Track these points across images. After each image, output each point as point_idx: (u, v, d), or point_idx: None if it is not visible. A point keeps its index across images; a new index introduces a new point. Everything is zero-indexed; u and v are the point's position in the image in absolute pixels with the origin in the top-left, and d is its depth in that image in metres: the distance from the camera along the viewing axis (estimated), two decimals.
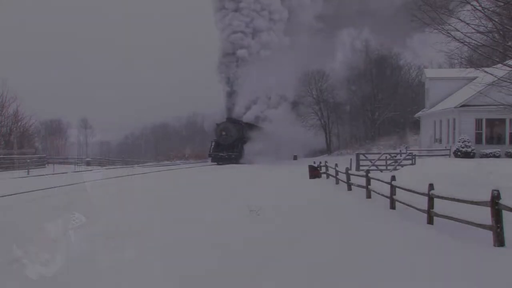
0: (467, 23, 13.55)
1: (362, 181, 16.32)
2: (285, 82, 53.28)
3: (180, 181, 25.03)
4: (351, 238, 8.97)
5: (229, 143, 51.05)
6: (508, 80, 14.78)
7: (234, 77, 54.43)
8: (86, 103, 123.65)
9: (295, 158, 52.78)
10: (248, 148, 50.94)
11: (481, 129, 28.09)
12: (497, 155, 26.28)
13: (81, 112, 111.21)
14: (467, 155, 26.15)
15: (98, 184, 23.12)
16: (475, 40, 14.16)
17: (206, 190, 19.57)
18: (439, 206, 10.13)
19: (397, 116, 59.90)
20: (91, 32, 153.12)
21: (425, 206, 10.40)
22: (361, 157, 29.51)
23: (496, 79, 14.81)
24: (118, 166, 48.94)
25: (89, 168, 44.85)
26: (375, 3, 54.67)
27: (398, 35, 54.69)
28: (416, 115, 39.28)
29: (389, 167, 27.63)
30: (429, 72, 36.65)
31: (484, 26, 13.74)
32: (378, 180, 14.72)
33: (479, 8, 13.21)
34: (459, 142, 26.94)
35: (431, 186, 10.19)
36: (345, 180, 19.03)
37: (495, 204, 7.84)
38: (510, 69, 14.42)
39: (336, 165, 22.63)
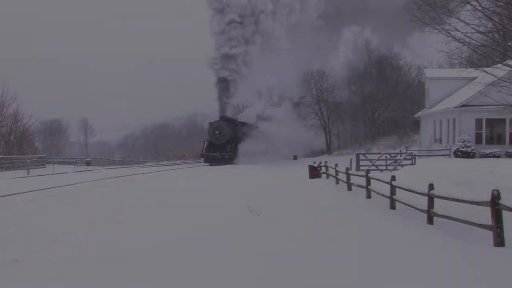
0: (467, 23, 13.55)
1: (362, 181, 16.32)
2: (285, 81, 52.46)
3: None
4: (351, 238, 8.96)
5: (222, 143, 48.79)
6: (508, 80, 14.78)
7: (229, 73, 51.82)
8: (86, 103, 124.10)
9: (295, 158, 52.70)
10: (243, 148, 48.89)
11: (481, 129, 28.09)
12: (497, 155, 26.28)
13: (81, 112, 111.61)
14: (467, 155, 26.15)
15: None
16: (475, 40, 14.16)
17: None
18: (439, 206, 10.13)
19: (397, 116, 59.93)
20: (91, 32, 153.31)
21: (425, 206, 10.41)
22: (361, 157, 29.51)
23: (496, 79, 14.81)
24: (118, 166, 48.97)
25: (89, 168, 44.87)
26: (375, 2, 54.22)
27: (398, 34, 54.39)
28: (416, 115, 39.29)
29: (389, 167, 27.63)
30: (429, 72, 36.65)
31: (484, 26, 13.74)
32: (378, 180, 14.72)
33: (479, 8, 13.20)
34: (459, 142, 26.94)
35: (431, 186, 10.19)
36: (345, 180, 19.03)
37: (495, 204, 7.85)
38: (510, 69, 14.42)
39: (336, 165, 22.62)
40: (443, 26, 13.98)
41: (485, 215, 8.19)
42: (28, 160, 35.99)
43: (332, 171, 23.57)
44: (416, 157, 28.81)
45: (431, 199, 10.17)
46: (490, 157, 25.90)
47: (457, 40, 13.96)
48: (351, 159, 29.11)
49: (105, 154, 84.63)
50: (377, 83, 59.77)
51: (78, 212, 13.06)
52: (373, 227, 10.13)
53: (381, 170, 26.49)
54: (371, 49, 62.98)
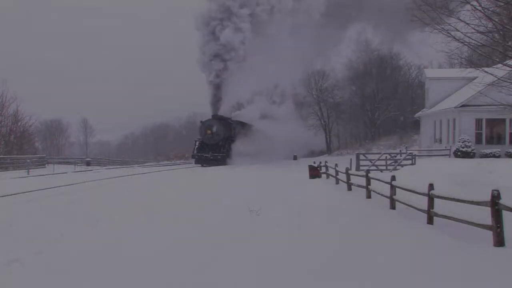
0: (467, 23, 13.55)
1: (362, 181, 16.32)
2: (286, 79, 51.76)
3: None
4: (351, 238, 8.96)
5: (215, 142, 46.03)
6: (508, 80, 14.77)
7: (223, 67, 48.02)
8: (86, 103, 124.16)
9: (295, 158, 52.62)
10: (237, 148, 46.44)
11: (481, 129, 28.08)
12: (497, 155, 26.28)
13: (81, 112, 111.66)
14: (467, 155, 26.14)
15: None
16: (475, 40, 14.16)
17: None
18: (439, 206, 10.13)
19: (397, 116, 59.96)
20: (91, 32, 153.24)
21: (425, 206, 10.41)
22: (361, 157, 29.50)
23: (496, 79, 14.81)
24: (118, 166, 48.95)
25: (89, 168, 44.87)
26: (377, 1, 53.76)
27: (400, 33, 53.92)
28: (416, 115, 39.29)
29: (389, 167, 27.62)
30: (429, 72, 36.64)
31: (484, 26, 13.73)
32: (378, 180, 14.71)
33: (479, 8, 13.20)
34: (459, 142, 26.94)
35: (431, 186, 10.19)
36: (345, 180, 19.03)
37: (495, 204, 7.84)
38: (510, 69, 14.41)
39: (336, 165, 22.62)
40: (443, 26, 13.98)
41: (485, 215, 8.19)
42: (28, 160, 35.99)
43: (332, 171, 23.56)
44: (416, 157, 28.80)
45: (431, 199, 10.16)
46: (490, 157, 25.90)
47: (457, 40, 13.96)
48: (351, 159, 29.11)
49: (105, 154, 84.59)
50: (377, 83, 59.78)
51: (78, 212, 13.06)
52: (373, 227, 10.12)
53: (381, 170, 26.49)
54: (372, 49, 63.02)
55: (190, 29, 52.42)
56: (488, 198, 7.97)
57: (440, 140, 31.81)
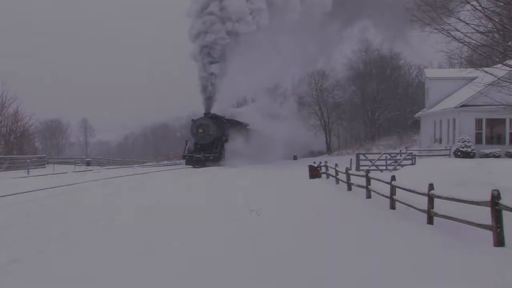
0: (467, 23, 13.54)
1: (362, 181, 16.32)
2: (286, 78, 51.00)
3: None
4: (351, 238, 8.96)
5: (207, 142, 43.49)
6: (508, 80, 14.77)
7: (216, 61, 44.93)
8: (86, 103, 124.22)
9: (295, 158, 52.63)
10: (231, 148, 43.67)
11: (481, 129, 28.10)
12: (497, 155, 26.29)
13: (81, 112, 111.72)
14: (467, 155, 26.15)
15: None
16: (475, 40, 14.15)
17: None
18: (439, 206, 10.13)
19: (397, 116, 59.94)
20: (91, 32, 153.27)
21: (425, 206, 10.41)
22: (361, 157, 29.50)
23: (496, 79, 14.81)
24: (118, 166, 48.95)
25: (89, 168, 44.88)
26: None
27: (400, 31, 53.63)
28: (416, 115, 39.29)
29: (389, 167, 27.62)
30: (429, 72, 36.65)
31: (484, 26, 13.72)
32: (378, 180, 14.72)
33: (479, 8, 13.19)
34: (459, 142, 26.95)
35: (431, 186, 10.19)
36: (345, 180, 19.03)
37: (495, 204, 7.85)
38: (510, 69, 14.41)
39: (336, 165, 22.62)
40: (443, 26, 13.97)
41: (485, 215, 8.19)
42: (28, 160, 35.99)
43: (332, 171, 23.56)
44: (416, 157, 28.80)
45: (431, 199, 10.17)
46: (490, 157, 25.91)
47: (457, 40, 13.95)
48: (351, 159, 29.10)
49: (105, 154, 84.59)
50: (377, 83, 59.78)
51: (78, 211, 13.07)
52: (373, 227, 10.12)
53: (381, 170, 26.49)
54: (372, 49, 63.00)
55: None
56: (488, 198, 7.97)
57: (440, 140, 31.81)
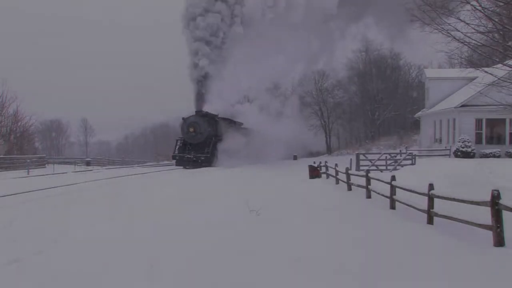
0: (467, 23, 13.55)
1: (362, 181, 16.31)
2: (286, 76, 50.34)
3: None
4: (350, 238, 8.96)
5: (198, 142, 41.17)
6: (508, 80, 14.78)
7: (210, 57, 42.23)
8: (86, 103, 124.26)
9: (295, 158, 52.61)
10: (225, 148, 41.53)
11: (481, 129, 28.08)
12: (497, 155, 26.28)
13: (81, 112, 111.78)
14: (467, 155, 26.14)
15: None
16: (475, 40, 14.16)
17: None
18: (439, 206, 10.13)
19: (397, 116, 59.99)
20: (92, 32, 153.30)
21: (425, 206, 10.40)
22: (361, 157, 29.48)
23: (496, 79, 14.81)
24: (118, 166, 48.95)
25: (89, 168, 44.88)
26: None
27: (401, 30, 53.31)
28: (416, 115, 39.28)
29: (389, 167, 27.61)
30: (429, 72, 36.63)
31: (484, 26, 13.73)
32: (378, 180, 14.71)
33: (479, 8, 13.20)
34: (459, 142, 26.94)
35: (431, 186, 10.19)
36: (345, 180, 19.02)
37: (495, 204, 7.84)
38: (510, 69, 14.42)
39: (336, 165, 22.61)
40: (443, 26, 13.98)
41: (485, 215, 8.19)
42: (28, 160, 36.00)
43: (332, 171, 23.56)
44: (416, 157, 28.79)
45: (431, 199, 10.16)
46: (490, 157, 25.90)
47: (457, 40, 13.96)
48: (351, 159, 29.09)
49: (105, 154, 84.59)
50: (377, 83, 59.82)
51: (78, 212, 13.07)
52: (373, 227, 10.12)
53: (381, 170, 26.47)
54: (372, 48, 63.01)
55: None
56: (488, 198, 7.97)
57: (440, 140, 31.81)
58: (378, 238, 8.95)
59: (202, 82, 42.50)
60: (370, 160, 28.78)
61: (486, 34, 13.99)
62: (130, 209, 13.36)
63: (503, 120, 27.24)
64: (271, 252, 7.89)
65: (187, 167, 39.47)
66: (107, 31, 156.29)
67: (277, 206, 13.51)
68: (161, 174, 32.03)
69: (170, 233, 9.69)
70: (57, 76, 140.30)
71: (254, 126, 47.97)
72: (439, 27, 14.02)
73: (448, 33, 13.80)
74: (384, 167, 27.63)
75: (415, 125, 46.39)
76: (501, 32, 14.26)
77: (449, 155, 27.85)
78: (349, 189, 18.34)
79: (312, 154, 56.25)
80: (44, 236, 9.51)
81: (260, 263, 7.21)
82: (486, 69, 15.49)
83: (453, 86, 32.59)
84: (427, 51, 30.57)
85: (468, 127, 27.84)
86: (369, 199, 15.13)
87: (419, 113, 37.78)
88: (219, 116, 44.65)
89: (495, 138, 28.27)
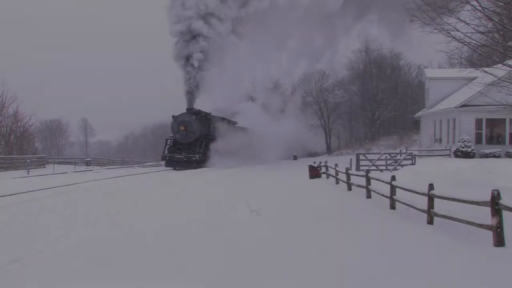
0: (467, 23, 13.55)
1: (362, 181, 16.31)
2: (288, 74, 50.00)
3: None
4: (351, 238, 8.96)
5: (189, 141, 39.02)
6: (508, 80, 14.77)
7: (201, 51, 39.90)
8: (86, 103, 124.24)
9: (295, 158, 52.61)
10: (218, 148, 39.60)
11: (481, 129, 28.11)
12: (497, 155, 26.29)
13: (81, 112, 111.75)
14: (467, 155, 26.15)
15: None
16: (475, 40, 14.16)
17: None
18: (439, 206, 10.13)
19: (397, 116, 59.98)
20: (92, 32, 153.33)
21: (425, 206, 10.40)
22: (361, 157, 29.49)
23: (496, 79, 14.81)
24: (118, 166, 48.95)
25: (89, 168, 44.88)
26: None
27: (402, 29, 53.10)
28: (416, 115, 39.29)
29: (389, 167, 27.62)
30: (429, 72, 36.65)
31: (484, 26, 13.73)
32: (378, 180, 14.71)
33: (479, 8, 13.20)
34: (459, 142, 26.95)
35: (431, 186, 10.19)
36: (345, 180, 19.02)
37: (495, 204, 7.84)
38: (510, 69, 14.42)
39: (336, 165, 22.61)
40: (443, 26, 13.97)
41: (485, 215, 8.19)
42: (28, 160, 35.99)
43: (332, 171, 23.56)
44: (416, 157, 28.80)
45: (431, 199, 10.16)
46: (490, 157, 25.91)
47: (457, 40, 13.96)
48: (351, 159, 29.10)
49: (105, 154, 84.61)
50: (377, 83, 59.81)
51: (78, 211, 13.06)
52: (373, 227, 10.12)
53: (381, 170, 26.48)
54: (372, 48, 63.01)
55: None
56: (488, 198, 7.97)
57: (440, 140, 31.81)
58: (378, 238, 8.94)
59: (193, 77, 40.37)
60: (370, 160, 28.79)
61: (486, 34, 13.98)
62: (128, 209, 13.36)
63: (503, 120, 27.26)
64: (271, 252, 7.89)
65: (177, 168, 37.62)
66: (107, 31, 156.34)
67: (277, 206, 13.51)
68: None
69: (173, 233, 9.70)
70: (57, 76, 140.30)
71: (252, 125, 46.99)
72: (439, 27, 14.01)
73: (448, 33, 13.80)
74: (384, 167, 27.64)
75: (415, 125, 46.39)
76: (501, 32, 14.26)
77: (449, 155, 27.87)
78: (349, 189, 18.33)
79: (312, 154, 56.25)
80: (44, 236, 9.50)
81: (260, 263, 7.22)
82: (486, 69, 15.49)
83: (453, 86, 32.62)
84: (427, 51, 30.60)
85: (468, 127, 27.86)
86: (369, 199, 15.13)
87: (419, 113, 37.79)
88: (212, 114, 42.94)
89: (495, 138, 28.29)
